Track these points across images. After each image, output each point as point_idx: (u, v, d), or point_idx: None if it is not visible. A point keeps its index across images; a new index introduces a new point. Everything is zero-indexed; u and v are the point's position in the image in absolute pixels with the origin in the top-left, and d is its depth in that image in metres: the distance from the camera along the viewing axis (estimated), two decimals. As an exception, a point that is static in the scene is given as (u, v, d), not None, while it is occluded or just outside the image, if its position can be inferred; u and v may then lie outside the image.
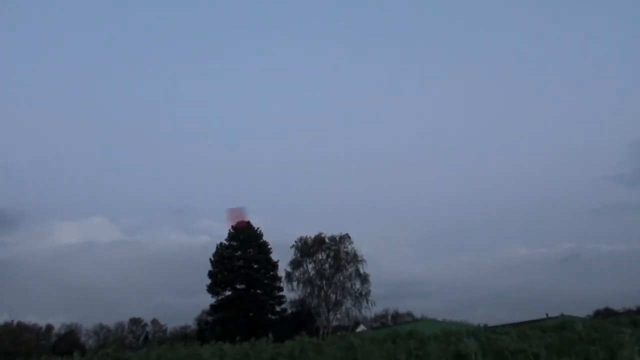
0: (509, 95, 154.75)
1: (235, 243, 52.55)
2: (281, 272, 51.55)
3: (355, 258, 48.86)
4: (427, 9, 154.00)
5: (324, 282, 48.31)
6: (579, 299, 76.94)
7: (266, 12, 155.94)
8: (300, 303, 50.43)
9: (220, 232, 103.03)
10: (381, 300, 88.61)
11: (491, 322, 13.10)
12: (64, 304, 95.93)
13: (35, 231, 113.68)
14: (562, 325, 9.21)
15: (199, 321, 59.66)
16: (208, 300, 50.99)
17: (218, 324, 48.04)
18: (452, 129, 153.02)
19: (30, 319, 78.65)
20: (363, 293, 48.32)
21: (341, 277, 48.41)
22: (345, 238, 49.78)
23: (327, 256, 49.24)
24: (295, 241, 50.66)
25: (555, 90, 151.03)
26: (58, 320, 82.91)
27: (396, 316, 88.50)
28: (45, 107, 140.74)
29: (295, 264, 49.69)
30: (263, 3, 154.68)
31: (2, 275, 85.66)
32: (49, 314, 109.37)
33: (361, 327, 60.16)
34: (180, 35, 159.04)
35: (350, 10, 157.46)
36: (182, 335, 71.55)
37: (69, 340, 72.01)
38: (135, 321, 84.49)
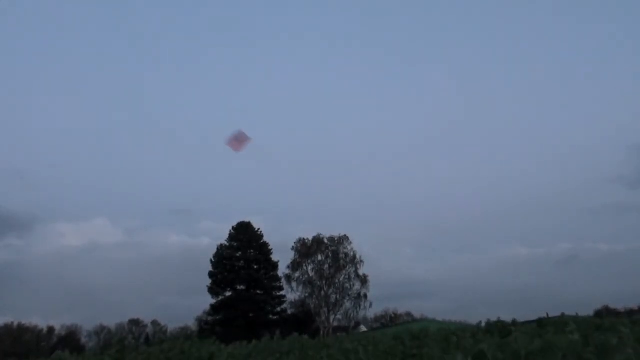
0: (509, 95, 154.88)
1: (235, 244, 52.62)
2: (281, 273, 51.70)
3: (354, 259, 49.01)
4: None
5: (323, 282, 48.45)
6: (579, 298, 76.75)
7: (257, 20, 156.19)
8: (300, 304, 50.56)
9: (221, 234, 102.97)
10: (381, 300, 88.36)
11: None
12: (66, 305, 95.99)
13: (42, 234, 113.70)
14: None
15: (200, 321, 59.69)
16: (209, 300, 51.09)
17: (218, 325, 48.10)
18: (453, 129, 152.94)
19: (33, 320, 78.71)
20: (362, 294, 48.46)
21: (341, 278, 48.57)
22: (344, 239, 49.92)
23: (326, 257, 49.40)
24: (295, 242, 50.80)
25: (555, 90, 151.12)
26: (60, 322, 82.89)
27: (395, 317, 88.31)
28: (45, 108, 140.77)
29: (295, 265, 49.82)
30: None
31: (9, 277, 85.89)
32: (51, 315, 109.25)
33: (362, 328, 60.18)
34: (178, 36, 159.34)
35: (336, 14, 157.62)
36: (182, 336, 71.43)
37: (69, 341, 71.93)
38: (135, 322, 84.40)
